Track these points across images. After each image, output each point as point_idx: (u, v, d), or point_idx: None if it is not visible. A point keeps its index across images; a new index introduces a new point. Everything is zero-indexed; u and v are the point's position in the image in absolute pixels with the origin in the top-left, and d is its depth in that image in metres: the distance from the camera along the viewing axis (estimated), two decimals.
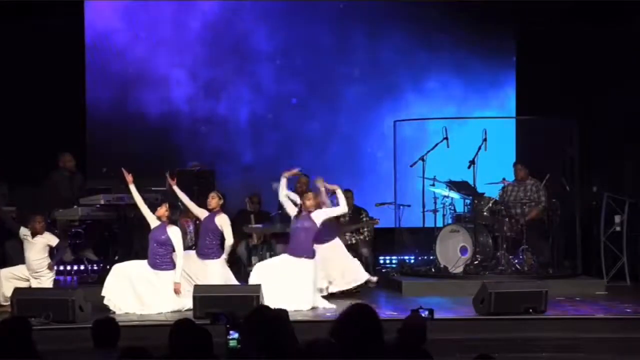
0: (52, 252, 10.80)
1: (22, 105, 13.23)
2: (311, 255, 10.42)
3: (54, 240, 10.74)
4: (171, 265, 10.29)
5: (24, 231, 10.71)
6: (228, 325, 5.74)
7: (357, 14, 14.60)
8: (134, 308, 10.05)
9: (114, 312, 9.92)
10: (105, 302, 10.06)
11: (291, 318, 5.55)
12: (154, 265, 10.24)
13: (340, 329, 4.73)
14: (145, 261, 10.32)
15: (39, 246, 10.65)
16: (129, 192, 10.69)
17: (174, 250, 10.33)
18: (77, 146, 13.15)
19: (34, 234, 10.65)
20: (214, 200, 10.77)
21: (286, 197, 10.91)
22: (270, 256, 11.74)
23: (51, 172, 12.46)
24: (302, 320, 9.35)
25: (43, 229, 10.68)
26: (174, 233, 10.32)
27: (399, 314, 9.41)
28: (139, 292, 10.12)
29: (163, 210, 10.38)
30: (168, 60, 14.20)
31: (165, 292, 10.16)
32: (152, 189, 12.04)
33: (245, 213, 12.80)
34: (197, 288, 10.00)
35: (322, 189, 11.13)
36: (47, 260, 10.67)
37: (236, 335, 5.36)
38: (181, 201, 12.38)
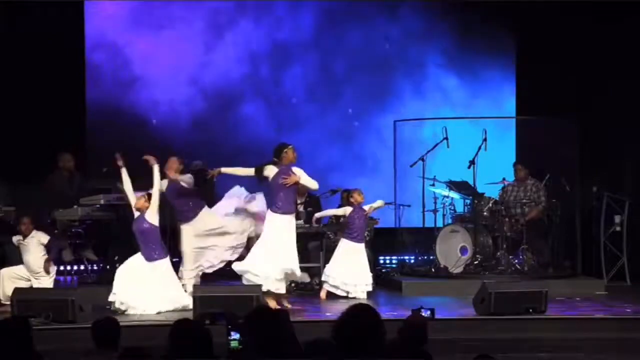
0: (49, 251, 10.80)
1: (22, 106, 13.21)
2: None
3: (44, 238, 10.72)
4: (163, 253, 10.29)
5: (16, 237, 10.72)
6: (229, 326, 5.74)
7: (357, 13, 14.60)
8: (143, 306, 10.07)
9: (122, 312, 9.95)
10: (118, 305, 10.07)
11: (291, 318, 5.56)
12: (149, 258, 10.23)
13: (341, 328, 4.73)
14: (140, 254, 10.32)
15: (32, 247, 10.65)
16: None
17: (160, 236, 10.32)
18: (77, 146, 13.14)
19: (24, 236, 10.66)
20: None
21: None
22: None
23: (51, 172, 12.45)
24: (302, 320, 9.35)
25: (30, 230, 10.67)
26: (151, 214, 10.28)
27: (399, 314, 9.41)
28: (143, 290, 10.13)
29: (142, 201, 10.35)
30: (168, 60, 14.20)
31: (163, 288, 10.17)
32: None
33: None
34: (197, 288, 10.01)
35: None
36: (44, 258, 10.67)
37: (237, 336, 5.37)
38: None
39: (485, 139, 12.32)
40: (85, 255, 12.25)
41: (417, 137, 13.80)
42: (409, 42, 14.68)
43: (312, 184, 10.64)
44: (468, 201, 12.78)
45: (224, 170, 10.75)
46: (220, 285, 10.49)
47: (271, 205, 10.43)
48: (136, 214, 10.40)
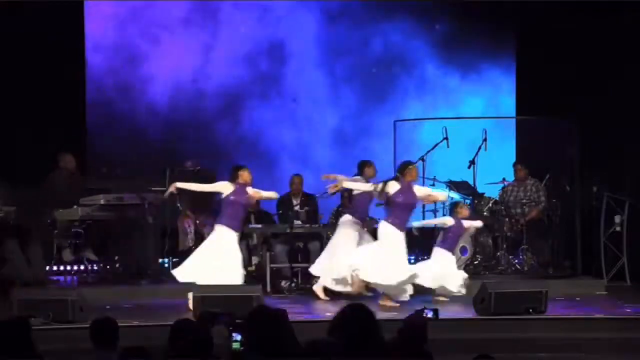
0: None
1: (22, 106, 13.22)
2: None
3: None
4: None
5: None
6: (231, 327, 5.72)
7: (357, 13, 14.61)
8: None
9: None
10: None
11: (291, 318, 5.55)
12: (238, 229, 10.34)
13: (336, 328, 4.73)
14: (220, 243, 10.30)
15: None
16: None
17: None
18: (77, 146, 13.14)
19: None
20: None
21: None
22: (271, 256, 11.76)
23: (51, 172, 12.45)
24: (302, 320, 9.35)
25: None
26: (251, 191, 10.42)
27: (399, 314, 9.40)
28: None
29: (247, 174, 10.42)
30: (168, 60, 14.20)
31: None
32: (152, 189, 12.05)
33: None
34: (197, 288, 10.01)
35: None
36: None
37: (239, 337, 5.33)
38: (181, 202, 12.40)
39: (485, 139, 12.32)
40: (85, 255, 12.24)
41: (417, 137, 13.80)
42: (409, 41, 14.68)
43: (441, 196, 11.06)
44: (468, 201, 12.77)
45: (345, 184, 10.85)
46: (220, 285, 10.47)
47: (388, 217, 10.56)
48: (228, 188, 10.38)
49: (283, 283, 11.79)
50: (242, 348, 5.36)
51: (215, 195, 11.18)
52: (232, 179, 10.44)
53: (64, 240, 11.88)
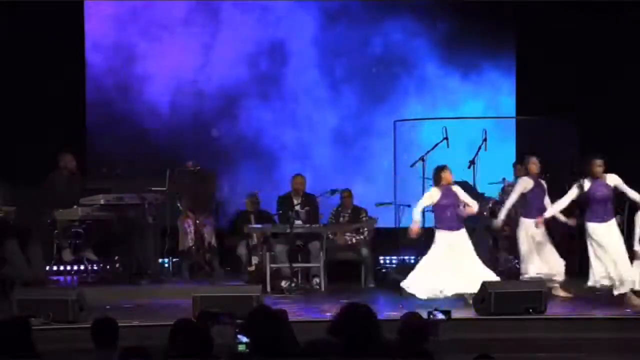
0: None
1: (22, 106, 13.22)
2: None
3: None
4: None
5: None
6: (237, 329, 5.70)
7: (356, 13, 14.61)
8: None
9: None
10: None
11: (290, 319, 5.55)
12: (458, 227, 10.50)
13: (337, 327, 4.73)
14: (444, 241, 10.48)
15: None
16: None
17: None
18: (77, 146, 13.14)
19: None
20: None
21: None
22: (271, 256, 11.77)
23: (51, 172, 12.45)
24: (302, 320, 9.35)
25: None
26: (457, 189, 10.59)
27: (399, 314, 9.39)
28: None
29: (448, 174, 10.54)
30: (168, 60, 14.20)
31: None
32: (152, 189, 12.05)
33: (245, 213, 12.82)
34: (197, 288, 10.01)
35: None
36: None
37: (245, 340, 5.28)
38: (180, 202, 12.41)
39: (485, 139, 12.31)
40: (85, 255, 12.25)
41: (417, 137, 13.80)
42: (409, 41, 14.68)
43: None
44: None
45: (558, 207, 10.96)
46: (220, 286, 10.48)
47: (589, 216, 10.74)
48: (436, 193, 10.59)
49: (283, 283, 11.78)
50: (247, 350, 5.31)
51: (215, 195, 11.20)
52: (436, 182, 10.51)
53: (64, 240, 11.88)
